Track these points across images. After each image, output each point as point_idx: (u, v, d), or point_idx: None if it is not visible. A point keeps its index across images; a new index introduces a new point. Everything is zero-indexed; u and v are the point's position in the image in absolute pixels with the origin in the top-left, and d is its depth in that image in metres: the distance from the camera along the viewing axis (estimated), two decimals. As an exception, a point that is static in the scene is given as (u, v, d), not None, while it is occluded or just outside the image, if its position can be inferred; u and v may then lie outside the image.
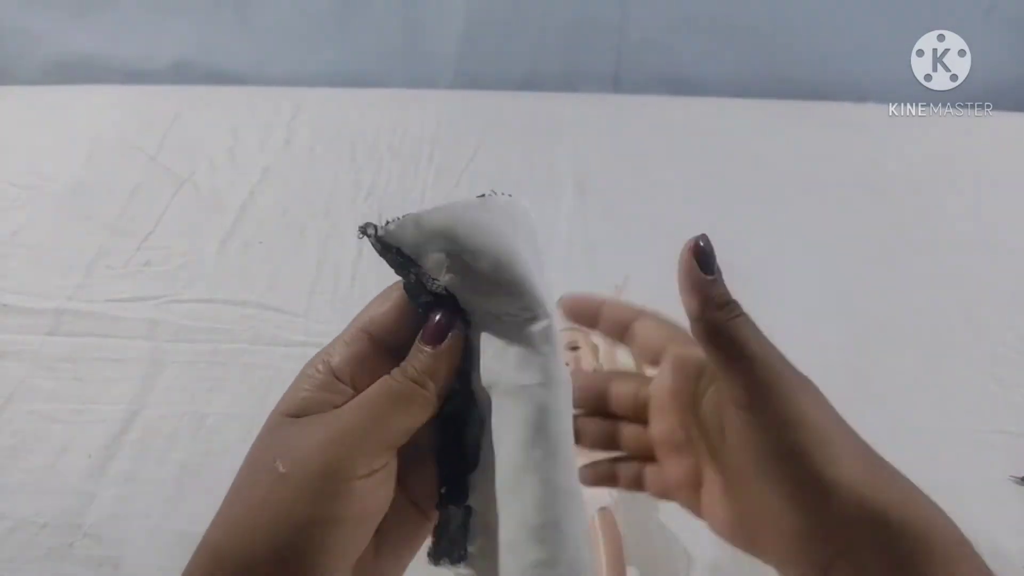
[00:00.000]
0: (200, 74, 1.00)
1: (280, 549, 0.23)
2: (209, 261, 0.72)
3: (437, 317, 0.27)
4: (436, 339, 0.27)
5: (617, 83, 0.99)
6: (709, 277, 0.30)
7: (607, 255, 0.72)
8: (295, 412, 0.26)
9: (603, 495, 0.49)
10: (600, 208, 0.77)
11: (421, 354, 0.27)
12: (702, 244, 0.30)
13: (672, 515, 0.52)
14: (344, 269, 0.71)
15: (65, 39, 0.99)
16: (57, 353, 0.64)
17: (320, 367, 0.27)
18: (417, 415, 0.27)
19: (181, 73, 1.00)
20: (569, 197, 0.78)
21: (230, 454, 0.56)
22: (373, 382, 0.27)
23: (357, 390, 0.26)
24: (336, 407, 0.26)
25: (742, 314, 0.30)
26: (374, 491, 0.25)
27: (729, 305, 0.30)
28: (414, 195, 0.80)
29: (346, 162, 0.84)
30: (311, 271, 0.71)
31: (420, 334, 0.27)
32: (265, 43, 1.00)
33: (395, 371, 0.27)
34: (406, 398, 0.26)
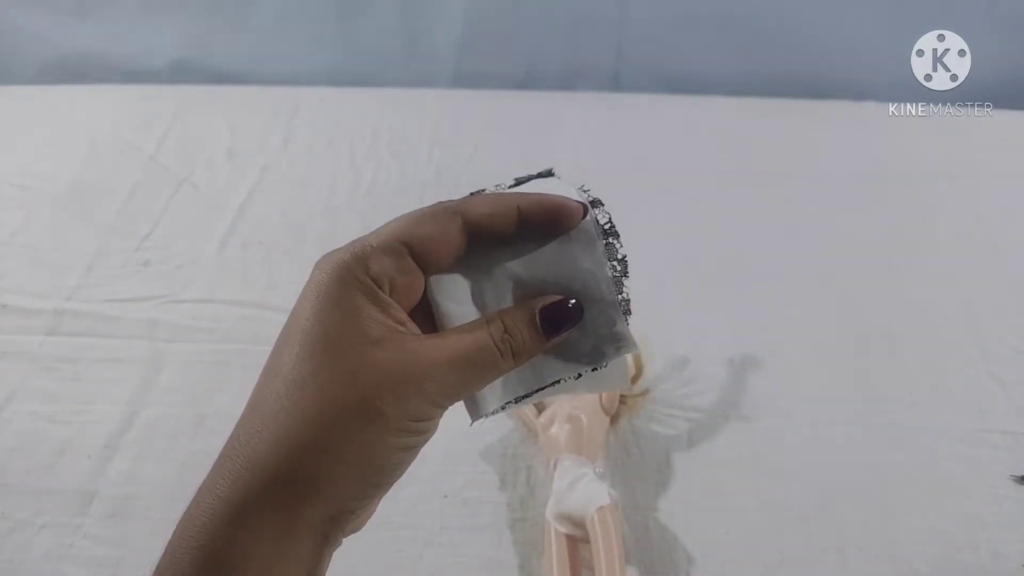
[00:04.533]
0: (199, 73, 1.00)
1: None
2: (208, 261, 0.72)
3: (566, 308, 0.27)
4: (556, 332, 0.27)
5: (616, 82, 0.99)
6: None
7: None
8: (341, 322, 0.24)
9: (603, 495, 0.49)
10: (600, 208, 0.76)
11: (533, 339, 0.26)
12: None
13: (672, 515, 0.52)
14: (344, 269, 0.71)
15: (64, 39, 0.99)
16: (56, 353, 0.64)
17: (361, 275, 0.25)
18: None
19: (180, 72, 1.00)
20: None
21: (230, 454, 0.56)
22: (405, 295, 0.26)
23: (394, 299, 0.26)
24: (392, 326, 0.25)
25: None
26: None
27: None
28: (413, 194, 0.80)
29: (345, 161, 0.84)
30: (310, 271, 0.71)
31: (540, 318, 0.27)
32: (264, 42, 0.99)
33: (497, 339, 0.26)
34: (496, 370, 0.26)
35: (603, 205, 0.29)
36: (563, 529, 0.49)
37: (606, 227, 0.29)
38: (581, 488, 0.49)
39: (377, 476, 0.25)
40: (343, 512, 0.24)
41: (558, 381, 0.28)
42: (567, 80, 0.99)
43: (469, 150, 0.85)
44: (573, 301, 0.27)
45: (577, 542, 0.49)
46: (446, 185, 0.81)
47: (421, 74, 0.99)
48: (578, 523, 0.48)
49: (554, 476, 0.51)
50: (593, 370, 0.28)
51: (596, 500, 0.48)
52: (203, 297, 0.69)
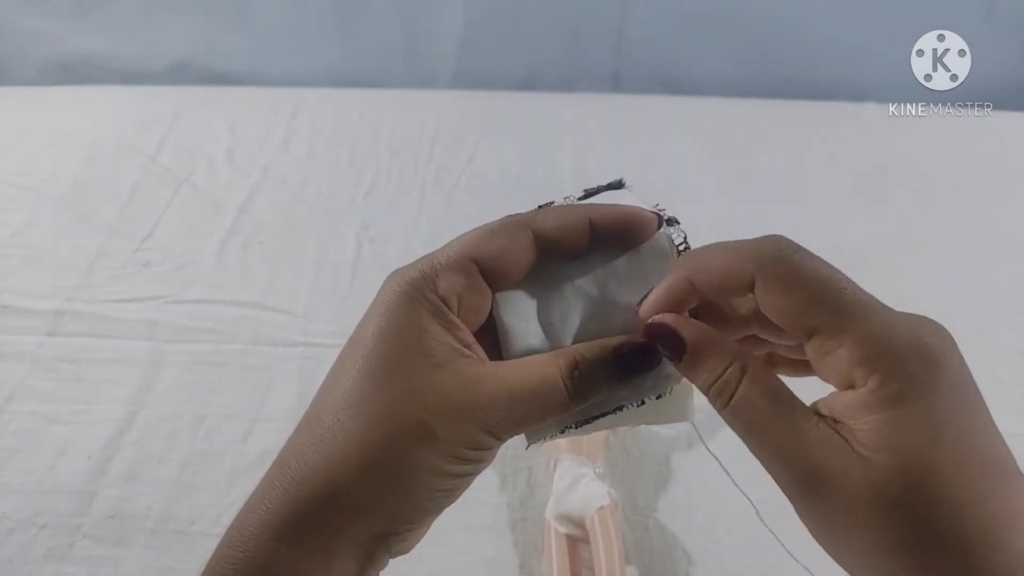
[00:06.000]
0: (199, 74, 1.00)
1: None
2: (208, 261, 0.72)
3: (647, 351, 0.25)
4: (632, 375, 0.25)
5: (616, 83, 0.99)
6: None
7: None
8: (405, 342, 0.24)
9: (603, 495, 0.49)
10: (600, 208, 0.76)
11: (605, 381, 0.25)
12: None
13: (672, 515, 0.52)
14: (343, 269, 0.71)
15: (64, 39, 0.99)
16: (57, 353, 0.64)
17: (429, 294, 0.24)
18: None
19: (180, 73, 1.00)
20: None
21: (230, 454, 0.56)
22: (472, 314, 0.25)
23: (461, 319, 0.25)
24: (458, 349, 0.24)
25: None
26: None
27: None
28: (413, 195, 0.80)
29: (345, 162, 0.84)
30: (310, 271, 0.71)
31: (615, 360, 0.25)
32: (264, 43, 1.00)
33: (566, 377, 0.24)
34: (560, 408, 0.25)
35: (679, 223, 0.28)
36: (563, 529, 0.49)
37: (680, 247, 0.27)
38: (581, 488, 0.49)
39: (426, 500, 0.24)
40: (390, 533, 0.24)
41: (621, 408, 0.26)
42: (567, 81, 0.99)
43: (469, 151, 0.85)
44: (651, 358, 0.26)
45: (577, 542, 0.49)
46: (446, 186, 0.81)
47: (421, 75, 0.99)
48: (578, 523, 0.48)
49: (554, 476, 0.51)
50: (657, 398, 0.26)
51: (596, 500, 0.48)
52: (203, 297, 0.69)
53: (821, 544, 0.23)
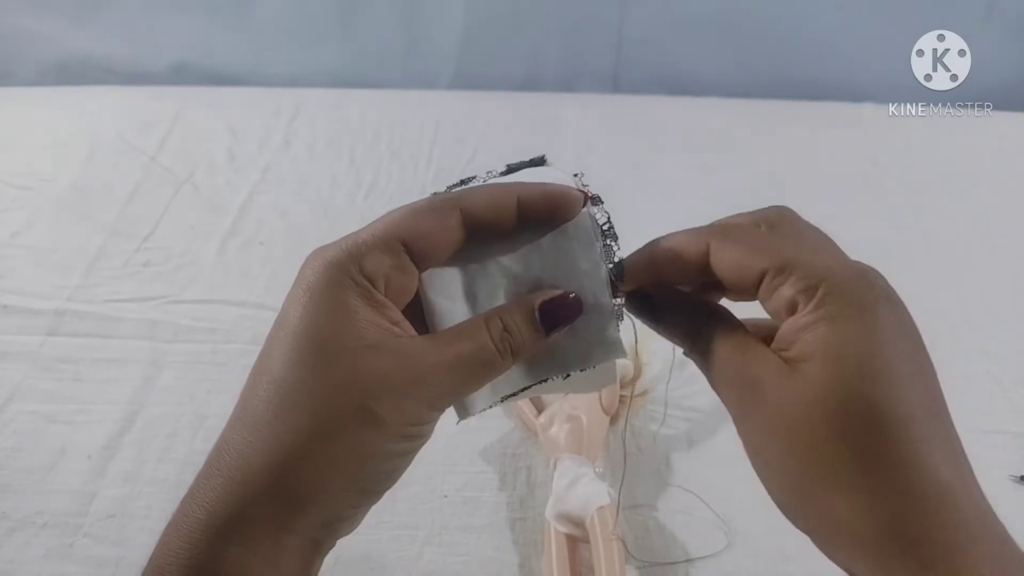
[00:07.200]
0: (200, 75, 1.00)
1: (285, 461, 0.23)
2: (209, 261, 0.72)
3: (565, 303, 0.26)
4: (556, 326, 0.26)
5: (616, 83, 0.99)
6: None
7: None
8: (335, 325, 0.24)
9: (603, 495, 0.49)
10: (600, 208, 0.76)
11: (532, 336, 0.25)
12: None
13: (672, 515, 0.52)
14: (344, 269, 0.71)
15: (65, 41, 0.99)
16: (57, 353, 0.64)
17: (354, 275, 0.24)
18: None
19: (181, 74, 1.00)
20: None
21: (230, 454, 0.56)
22: (399, 294, 0.25)
23: (388, 298, 0.25)
24: (387, 328, 0.24)
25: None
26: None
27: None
28: (413, 195, 0.79)
29: (345, 162, 0.84)
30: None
31: (539, 314, 0.26)
32: (265, 44, 1.00)
33: (496, 339, 0.25)
34: (495, 370, 0.25)
35: (602, 203, 0.28)
36: (563, 529, 0.49)
37: (604, 228, 0.28)
38: (581, 488, 0.49)
39: (373, 483, 0.24)
40: (337, 520, 0.24)
41: (546, 380, 0.27)
42: (567, 81, 0.99)
43: (469, 151, 0.85)
44: (572, 295, 0.26)
45: (577, 542, 0.49)
46: (446, 186, 0.81)
47: (421, 75, 1.00)
48: (578, 523, 0.48)
49: (554, 476, 0.51)
50: (581, 370, 0.27)
51: (596, 500, 0.48)
52: (203, 297, 0.69)
53: (757, 469, 0.24)
